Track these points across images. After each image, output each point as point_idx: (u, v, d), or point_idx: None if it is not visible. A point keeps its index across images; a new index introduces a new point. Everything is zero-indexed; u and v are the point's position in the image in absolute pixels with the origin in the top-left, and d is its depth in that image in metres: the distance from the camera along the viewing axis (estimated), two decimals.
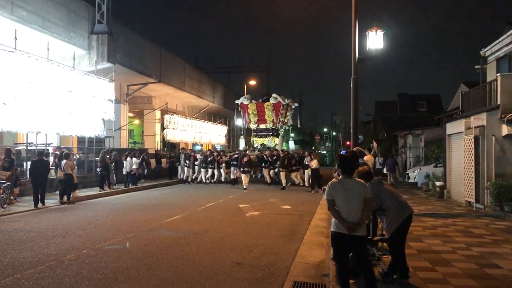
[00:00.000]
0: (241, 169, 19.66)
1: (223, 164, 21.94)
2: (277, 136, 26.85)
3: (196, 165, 22.41)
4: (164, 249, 7.38)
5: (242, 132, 28.09)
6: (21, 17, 15.63)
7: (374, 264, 5.63)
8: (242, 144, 27.40)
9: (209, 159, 22.07)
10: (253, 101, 26.93)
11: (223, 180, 22.16)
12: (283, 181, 19.64)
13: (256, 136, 27.24)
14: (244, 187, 18.97)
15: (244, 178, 19.36)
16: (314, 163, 17.89)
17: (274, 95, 26.71)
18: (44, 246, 7.49)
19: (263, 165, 21.57)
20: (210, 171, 22.17)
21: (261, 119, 26.78)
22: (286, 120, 27.07)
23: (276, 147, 25.34)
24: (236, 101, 28.19)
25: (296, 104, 27.60)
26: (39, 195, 12.81)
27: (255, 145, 26.67)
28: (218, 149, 30.83)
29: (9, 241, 7.94)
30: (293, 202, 14.33)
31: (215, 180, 22.16)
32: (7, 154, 13.28)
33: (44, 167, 13.26)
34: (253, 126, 27.09)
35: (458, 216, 11.03)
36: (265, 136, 26.89)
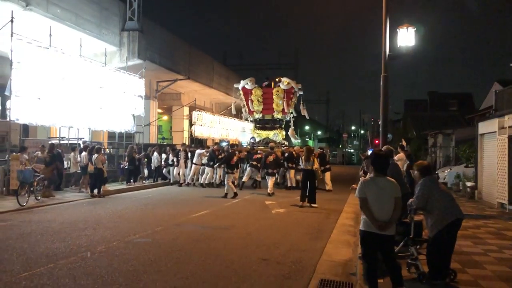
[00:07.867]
0: (266, 171, 16.40)
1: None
2: (282, 128, 22.69)
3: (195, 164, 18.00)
4: (191, 244, 7.48)
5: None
6: (55, 14, 16.03)
7: (412, 264, 5.50)
8: (247, 137, 22.70)
9: (220, 156, 16.86)
10: (258, 86, 22.32)
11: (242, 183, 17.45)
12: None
13: (259, 128, 22.72)
14: (269, 191, 15.45)
15: (270, 181, 15.79)
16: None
17: (285, 79, 22.14)
18: (76, 238, 7.71)
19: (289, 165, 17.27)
20: (219, 171, 17.34)
21: (267, 108, 22.26)
22: (291, 110, 22.83)
23: (285, 142, 22.03)
24: (236, 85, 23.16)
25: (300, 89, 22.52)
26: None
27: (256, 140, 22.45)
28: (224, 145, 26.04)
29: (43, 231, 8.22)
30: (319, 201, 14.23)
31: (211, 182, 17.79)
32: (49, 149, 13.75)
33: (55, 159, 14.27)
34: (256, 116, 22.64)
35: (490, 217, 10.75)
36: (271, 129, 22.38)
